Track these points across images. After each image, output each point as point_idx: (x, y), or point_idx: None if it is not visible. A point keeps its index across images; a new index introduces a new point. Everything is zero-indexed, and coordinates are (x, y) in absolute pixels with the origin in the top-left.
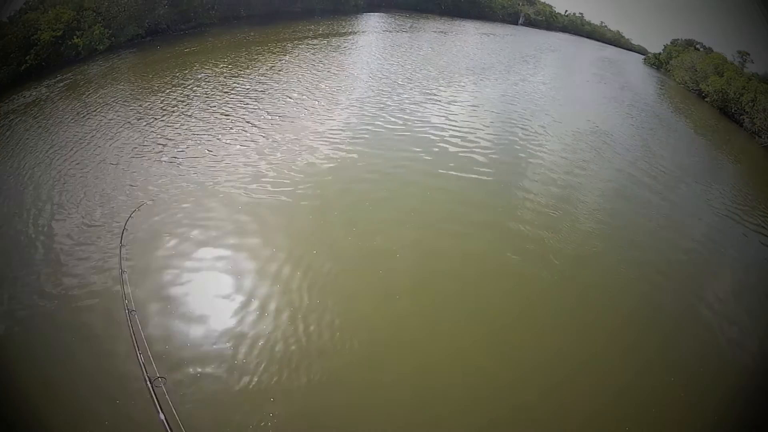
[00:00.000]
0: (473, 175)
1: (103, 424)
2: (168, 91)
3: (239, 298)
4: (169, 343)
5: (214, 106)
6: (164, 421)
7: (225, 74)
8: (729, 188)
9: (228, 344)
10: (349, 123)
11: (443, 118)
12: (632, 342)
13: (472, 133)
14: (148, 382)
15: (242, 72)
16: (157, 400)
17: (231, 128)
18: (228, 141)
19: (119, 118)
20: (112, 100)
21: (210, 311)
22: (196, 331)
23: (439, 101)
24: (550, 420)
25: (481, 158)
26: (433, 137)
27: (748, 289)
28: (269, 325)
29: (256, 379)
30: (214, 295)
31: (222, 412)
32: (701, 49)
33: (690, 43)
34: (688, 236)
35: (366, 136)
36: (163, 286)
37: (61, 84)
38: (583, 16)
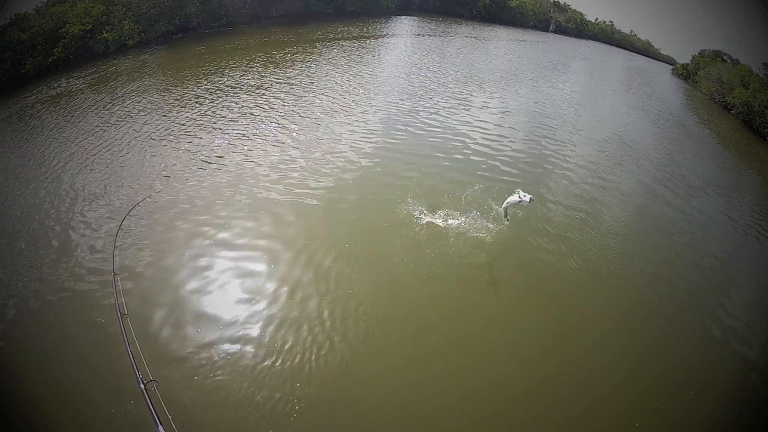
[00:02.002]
0: (504, 177)
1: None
2: (198, 88)
3: (239, 300)
4: (162, 346)
5: (245, 105)
6: (158, 424)
7: (257, 73)
8: (751, 201)
9: (222, 347)
10: (382, 126)
11: (475, 124)
12: (643, 353)
13: (502, 139)
14: (142, 386)
15: (275, 71)
16: (151, 404)
17: (266, 125)
18: (258, 140)
19: (147, 111)
20: (142, 95)
21: (205, 314)
22: (189, 334)
23: (471, 106)
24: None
25: (509, 165)
26: (465, 142)
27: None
28: (265, 330)
29: (250, 383)
30: (210, 297)
31: (216, 414)
32: (728, 61)
33: (717, 54)
34: (706, 249)
35: (400, 139)
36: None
37: (90, 78)
38: (613, 25)
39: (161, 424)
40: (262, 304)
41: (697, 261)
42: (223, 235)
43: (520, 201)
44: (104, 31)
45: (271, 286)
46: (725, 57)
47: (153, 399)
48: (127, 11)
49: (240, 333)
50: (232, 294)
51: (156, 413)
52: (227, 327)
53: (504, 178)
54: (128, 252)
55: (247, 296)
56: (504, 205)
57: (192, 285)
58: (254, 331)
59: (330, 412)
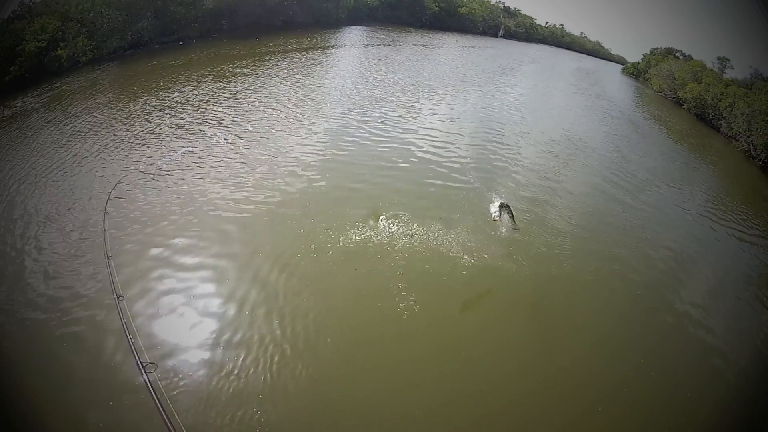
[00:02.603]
0: (453, 184)
1: (98, 409)
2: (148, 105)
3: (191, 320)
4: (159, 329)
5: (198, 120)
6: (158, 406)
7: (207, 88)
8: (704, 190)
9: (216, 333)
10: (332, 136)
11: (424, 130)
12: (602, 343)
13: (451, 144)
14: (141, 368)
15: (224, 86)
16: (150, 385)
17: (214, 141)
18: (211, 153)
19: (98, 130)
20: (93, 114)
21: (154, 335)
22: (185, 319)
23: (420, 114)
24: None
25: (461, 167)
26: (414, 149)
27: (720, 290)
28: (251, 316)
29: (243, 363)
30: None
31: (212, 395)
32: (681, 57)
33: (669, 52)
34: (660, 238)
35: (349, 148)
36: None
37: (44, 96)
38: (563, 28)
39: (161, 406)
40: (212, 322)
41: (650, 253)
42: (174, 255)
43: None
44: (58, 48)
45: (220, 304)
46: (677, 54)
47: (151, 380)
48: (82, 27)
49: (193, 352)
50: (185, 313)
51: (155, 393)
52: (180, 350)
53: (453, 184)
54: (79, 277)
55: (197, 315)
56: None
57: (146, 306)
58: (205, 348)
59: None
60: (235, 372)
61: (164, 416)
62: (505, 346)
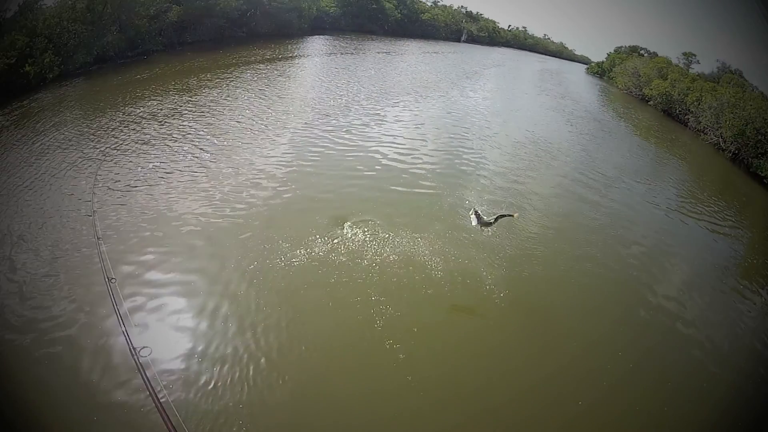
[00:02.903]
0: (419, 190)
1: (90, 392)
2: (113, 121)
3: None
4: (153, 314)
5: (164, 135)
6: (151, 391)
7: (172, 102)
8: (674, 185)
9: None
10: (297, 146)
11: (389, 137)
12: (580, 345)
13: (417, 150)
14: (133, 352)
15: (190, 99)
16: (143, 369)
17: (180, 155)
18: (177, 168)
19: (65, 147)
20: (64, 129)
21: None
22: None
23: (385, 121)
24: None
25: (427, 174)
26: (380, 156)
27: (696, 282)
28: (224, 328)
29: (236, 348)
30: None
31: (205, 379)
32: (646, 55)
33: (634, 50)
34: (632, 234)
35: (315, 158)
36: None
37: (14, 114)
38: (526, 30)
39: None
40: (187, 338)
41: (621, 251)
42: (145, 272)
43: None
44: (26, 65)
45: (192, 320)
46: (642, 51)
47: (143, 365)
48: (49, 42)
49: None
50: (159, 331)
51: (147, 379)
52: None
53: (419, 190)
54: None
55: (167, 330)
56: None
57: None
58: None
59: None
60: (215, 384)
61: None
62: (482, 349)
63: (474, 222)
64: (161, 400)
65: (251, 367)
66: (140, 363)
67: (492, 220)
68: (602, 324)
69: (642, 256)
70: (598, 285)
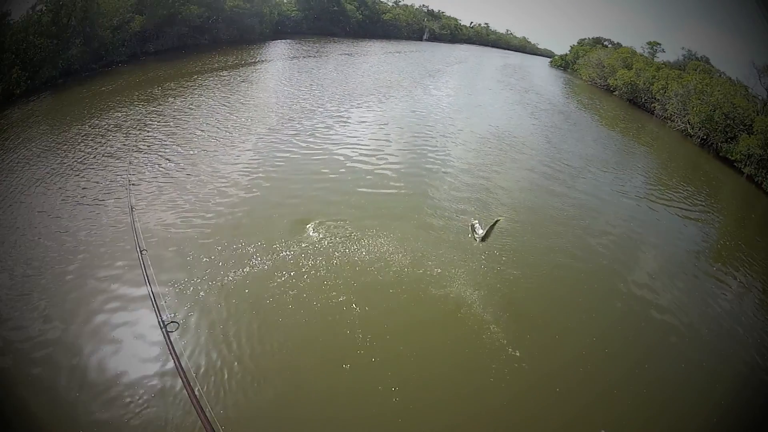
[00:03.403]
0: (386, 190)
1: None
2: (79, 135)
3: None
4: (125, 327)
5: (130, 146)
6: (177, 364)
7: (138, 113)
8: (642, 172)
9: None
10: (262, 152)
11: (353, 139)
12: (553, 336)
13: (382, 150)
14: (162, 326)
15: (154, 109)
16: (170, 344)
17: (147, 167)
18: (144, 179)
19: (39, 164)
20: (32, 145)
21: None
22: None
23: (349, 122)
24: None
25: (392, 174)
26: (346, 158)
27: (669, 268)
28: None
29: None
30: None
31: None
32: (609, 46)
33: (598, 41)
34: (601, 224)
35: (280, 164)
36: None
37: None
38: (488, 26)
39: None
40: (155, 352)
41: (591, 241)
42: (111, 285)
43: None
44: None
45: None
46: (606, 42)
47: (172, 339)
48: (16, 57)
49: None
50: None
51: (174, 352)
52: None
53: (385, 191)
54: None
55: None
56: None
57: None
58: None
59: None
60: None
61: None
62: (451, 340)
63: (476, 235)
64: None
65: (225, 373)
66: None
67: (486, 233)
68: (575, 313)
69: (611, 245)
70: (570, 276)
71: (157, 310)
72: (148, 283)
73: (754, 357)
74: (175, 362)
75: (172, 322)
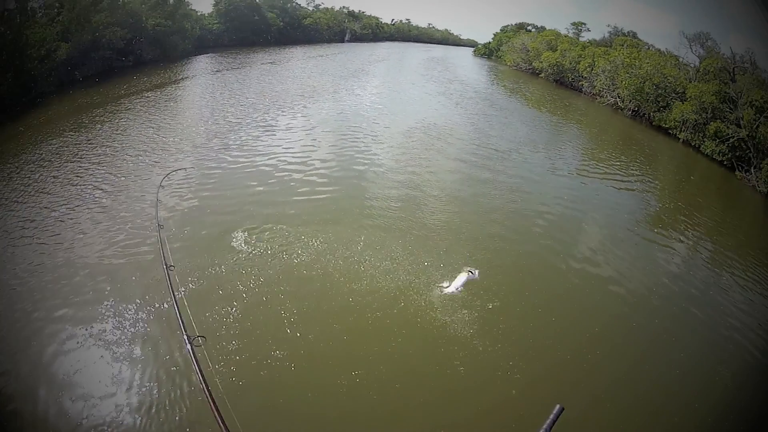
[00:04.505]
0: (320, 196)
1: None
2: (19, 170)
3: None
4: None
5: (60, 180)
6: (201, 380)
7: (68, 143)
8: (573, 149)
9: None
10: (193, 171)
11: (282, 147)
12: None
13: (311, 155)
14: (187, 341)
15: (86, 137)
16: (195, 359)
17: (79, 199)
18: (78, 212)
19: None
20: None
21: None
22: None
23: (277, 130)
24: None
25: (322, 179)
26: (275, 167)
27: (610, 238)
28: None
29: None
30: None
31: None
32: (533, 30)
33: (521, 27)
34: (535, 204)
35: (212, 181)
36: None
37: None
38: (410, 22)
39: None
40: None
41: (526, 223)
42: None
43: (471, 278)
44: None
45: (111, 365)
46: (530, 27)
47: (197, 355)
48: None
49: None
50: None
51: (199, 368)
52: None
53: (320, 196)
54: None
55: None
56: (457, 287)
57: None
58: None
59: None
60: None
61: None
62: (398, 337)
63: (458, 285)
64: None
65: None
66: None
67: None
68: (529, 297)
69: (548, 225)
70: (510, 261)
71: None
72: (174, 303)
73: (710, 315)
74: None
75: None
